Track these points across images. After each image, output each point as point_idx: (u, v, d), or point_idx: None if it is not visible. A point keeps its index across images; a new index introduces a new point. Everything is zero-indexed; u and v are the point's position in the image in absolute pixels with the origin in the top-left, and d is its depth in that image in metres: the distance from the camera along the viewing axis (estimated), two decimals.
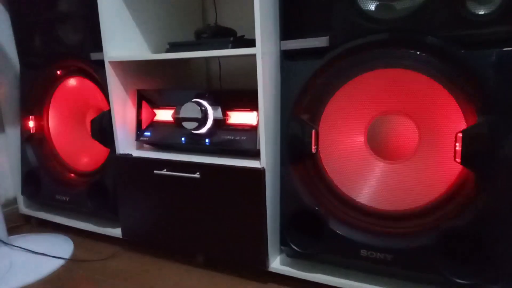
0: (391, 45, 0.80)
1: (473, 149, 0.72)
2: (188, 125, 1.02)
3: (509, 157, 0.71)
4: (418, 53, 0.78)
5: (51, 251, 1.16)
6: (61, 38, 1.25)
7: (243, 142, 0.97)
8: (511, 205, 0.72)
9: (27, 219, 1.43)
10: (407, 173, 0.84)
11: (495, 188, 0.72)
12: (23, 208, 1.41)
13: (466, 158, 0.72)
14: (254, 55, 0.87)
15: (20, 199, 1.40)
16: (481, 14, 0.72)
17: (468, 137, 0.72)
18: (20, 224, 1.42)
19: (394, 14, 0.79)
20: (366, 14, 0.82)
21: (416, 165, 0.83)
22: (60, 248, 1.20)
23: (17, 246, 1.16)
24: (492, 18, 0.71)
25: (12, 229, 1.34)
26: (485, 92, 0.72)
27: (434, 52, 0.76)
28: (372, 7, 0.82)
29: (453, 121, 0.77)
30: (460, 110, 0.76)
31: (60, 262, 1.13)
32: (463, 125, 0.76)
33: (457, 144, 0.74)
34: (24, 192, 1.37)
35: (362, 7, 0.82)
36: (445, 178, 0.79)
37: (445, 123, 0.79)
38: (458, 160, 0.73)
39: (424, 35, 0.76)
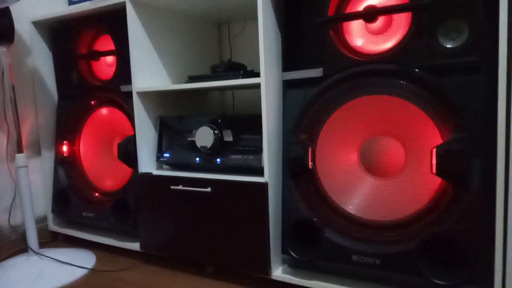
0: (376, 74, 0.93)
1: (446, 162, 0.82)
2: (202, 146, 1.15)
3: (478, 169, 0.81)
4: (398, 81, 0.90)
5: (76, 262, 1.28)
6: (95, 73, 1.44)
7: (250, 160, 1.09)
8: (485, 211, 0.81)
9: (55, 235, 1.56)
10: (394, 188, 0.94)
11: (470, 196, 0.81)
12: (52, 226, 1.55)
13: (441, 170, 0.82)
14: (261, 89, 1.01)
15: (50, 217, 1.55)
16: (450, 47, 0.85)
17: (441, 151, 0.83)
18: (48, 240, 1.55)
19: (378, 48, 0.93)
20: (354, 48, 0.96)
21: (402, 180, 0.93)
22: (84, 260, 1.31)
23: (46, 256, 1.29)
24: (460, 50, 0.84)
25: (41, 244, 1.46)
26: (456, 113, 0.83)
27: (413, 80, 0.89)
28: (359, 42, 0.96)
29: (432, 139, 0.88)
30: (436, 129, 0.87)
31: (84, 272, 1.24)
32: (440, 142, 0.86)
33: (433, 158, 0.84)
34: (54, 210, 1.51)
35: (350, 43, 0.96)
36: (427, 191, 0.89)
37: (425, 142, 0.89)
38: (434, 172, 0.83)
39: (404, 66, 0.89)
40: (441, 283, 0.82)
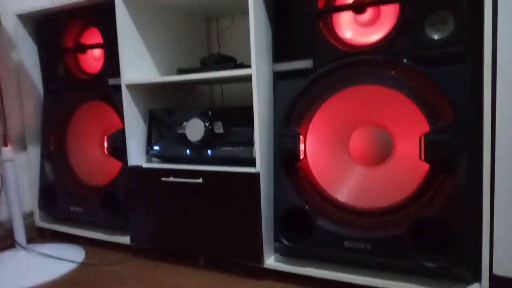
0: (366, 65, 0.95)
1: (434, 149, 0.85)
2: (192, 139, 1.16)
3: (464, 155, 0.83)
4: (387, 71, 0.93)
5: (65, 256, 1.27)
6: (82, 66, 1.43)
7: (241, 152, 1.10)
8: (472, 195, 0.84)
9: (42, 232, 1.54)
10: (384, 176, 0.97)
11: (457, 181, 0.84)
12: (39, 222, 1.52)
13: (428, 156, 0.85)
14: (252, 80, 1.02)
15: (36, 213, 1.52)
16: (437, 39, 0.88)
17: (428, 139, 0.85)
18: (35, 237, 1.53)
19: (367, 40, 0.95)
20: (343, 40, 0.98)
21: (391, 168, 0.96)
22: (72, 254, 1.30)
23: (34, 251, 1.27)
24: (447, 41, 0.86)
25: (28, 241, 1.44)
26: (443, 102, 0.86)
27: (401, 70, 0.91)
28: (348, 34, 0.98)
29: (420, 128, 0.90)
30: (424, 118, 0.90)
31: (73, 266, 1.23)
32: (427, 130, 0.89)
33: (421, 146, 0.86)
34: (41, 205, 1.49)
35: (339, 34, 0.98)
36: (416, 177, 0.91)
37: (413, 131, 0.92)
38: (422, 158, 0.86)
39: (392, 57, 0.91)
40: (431, 265, 0.84)
